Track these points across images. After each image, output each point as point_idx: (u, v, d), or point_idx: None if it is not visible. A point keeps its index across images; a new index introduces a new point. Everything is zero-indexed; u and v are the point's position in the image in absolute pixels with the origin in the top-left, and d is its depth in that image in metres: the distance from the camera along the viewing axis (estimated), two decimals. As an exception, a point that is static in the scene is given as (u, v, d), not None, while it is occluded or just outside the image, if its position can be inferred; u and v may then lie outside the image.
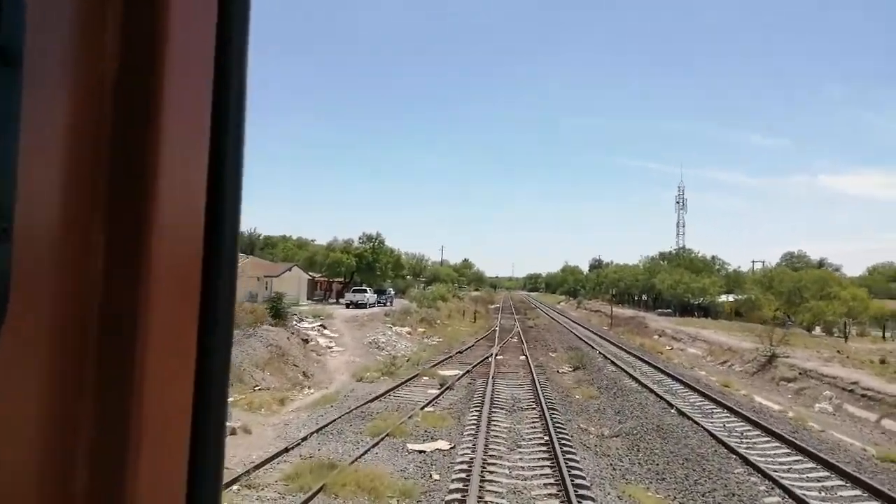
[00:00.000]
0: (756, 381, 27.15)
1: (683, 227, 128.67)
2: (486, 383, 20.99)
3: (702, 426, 15.61)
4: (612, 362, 28.83)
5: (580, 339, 40.89)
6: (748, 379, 27.87)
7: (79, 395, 0.69)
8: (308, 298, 69.30)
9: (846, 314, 49.18)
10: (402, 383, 20.68)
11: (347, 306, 57.49)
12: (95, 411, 0.69)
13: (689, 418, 16.50)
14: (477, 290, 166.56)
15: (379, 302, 64.02)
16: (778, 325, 50.39)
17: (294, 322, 32.26)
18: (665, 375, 25.38)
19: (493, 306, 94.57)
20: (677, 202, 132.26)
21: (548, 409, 16.81)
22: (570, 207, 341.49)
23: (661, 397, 19.42)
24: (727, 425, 16.07)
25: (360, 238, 69.09)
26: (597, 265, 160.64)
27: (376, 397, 18.00)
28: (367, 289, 61.19)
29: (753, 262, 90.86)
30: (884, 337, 49.37)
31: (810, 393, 22.76)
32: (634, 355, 32.40)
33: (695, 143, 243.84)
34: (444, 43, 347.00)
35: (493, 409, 16.87)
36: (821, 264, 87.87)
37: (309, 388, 20.10)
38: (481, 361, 26.81)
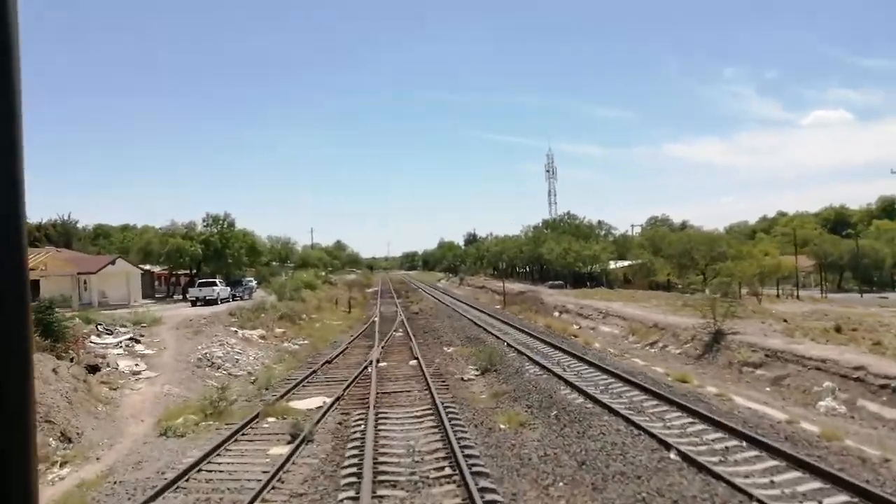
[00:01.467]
0: (709, 368, 21.87)
1: (555, 195, 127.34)
2: (366, 420, 13.78)
3: (745, 492, 9.30)
4: (526, 356, 22.60)
5: (476, 324, 34.61)
6: (696, 365, 22.58)
7: None
8: (145, 297, 58.63)
9: (758, 275, 46.50)
10: (231, 436, 13.00)
11: (194, 303, 48.01)
12: None
13: (703, 470, 10.17)
14: (353, 272, 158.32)
15: (235, 296, 54.73)
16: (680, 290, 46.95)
17: (93, 337, 23.28)
18: (601, 372, 19.39)
19: (370, 290, 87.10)
20: (547, 171, 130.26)
21: (470, 473, 9.92)
22: (442, 184, 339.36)
23: (632, 422, 13.11)
24: (775, 479, 9.86)
25: (203, 220, 58.94)
26: (471, 239, 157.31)
27: (169, 483, 10.22)
28: (217, 281, 51.83)
29: (633, 225, 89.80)
30: (798, 296, 47.27)
31: (797, 384, 17.51)
32: (546, 342, 26.47)
33: (549, 117, 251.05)
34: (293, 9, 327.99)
35: (380, 491, 9.70)
36: (683, 226, 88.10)
37: (64, 463, 11.96)
38: (358, 375, 19.50)
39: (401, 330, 32.52)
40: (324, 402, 15.83)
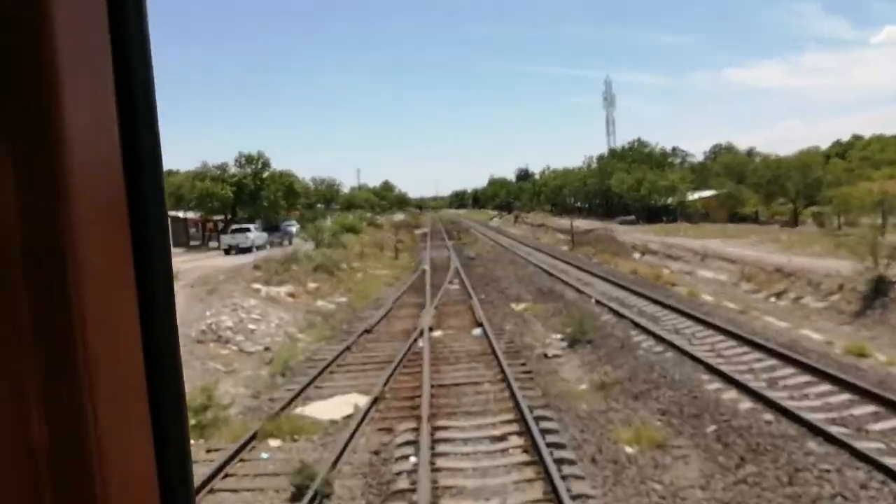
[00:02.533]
0: (881, 330, 16.11)
1: (613, 125, 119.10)
2: (417, 449, 8.83)
3: None
4: (626, 318, 17.29)
5: (546, 272, 29.29)
6: (858, 326, 16.85)
7: (16, 340, 0.67)
8: (179, 246, 55.13)
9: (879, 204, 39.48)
10: (207, 482, 8.21)
11: (227, 252, 44.09)
12: (38, 355, 0.68)
13: None
14: (404, 211, 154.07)
15: (273, 242, 50.63)
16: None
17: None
18: (743, 344, 13.96)
19: (419, 231, 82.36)
20: (605, 98, 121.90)
21: None
22: (491, 120, 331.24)
23: (866, 458, 7.74)
24: None
25: (236, 161, 54.51)
26: (524, 176, 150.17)
27: None
28: (251, 226, 47.74)
29: (717, 147, 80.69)
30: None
31: None
32: (643, 294, 21.06)
33: (602, 46, 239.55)
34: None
35: None
36: (750, 153, 79.94)
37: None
38: (406, 355, 14.55)
39: (456, 281, 27.47)
40: (355, 407, 10.92)
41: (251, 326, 18.44)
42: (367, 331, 17.63)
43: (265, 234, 48.39)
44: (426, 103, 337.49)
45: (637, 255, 37.16)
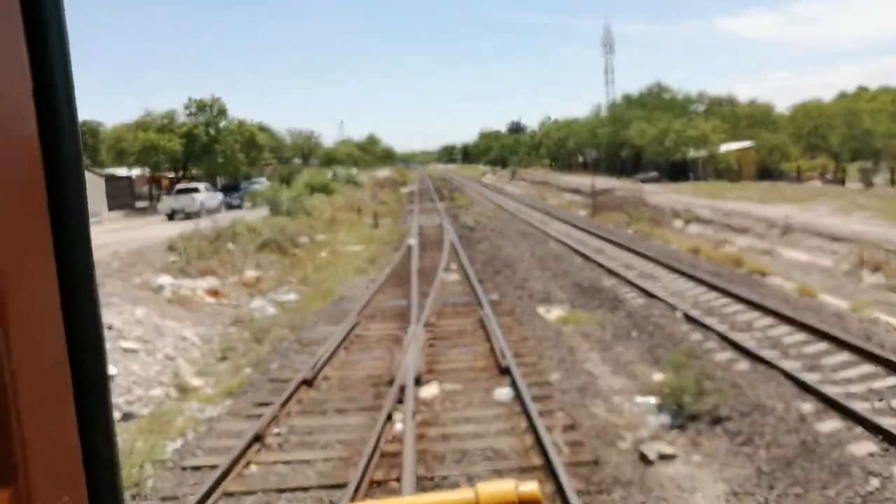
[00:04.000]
0: None
1: (612, 73, 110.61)
2: None
3: None
4: (758, 358, 10.06)
5: (574, 250, 21.95)
6: None
7: None
8: (123, 208, 47.32)
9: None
10: None
11: (170, 218, 36.66)
12: None
13: None
14: (388, 167, 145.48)
15: (233, 205, 43.03)
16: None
17: None
18: None
19: (405, 190, 74.62)
20: (604, 45, 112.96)
21: None
22: (481, 72, 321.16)
23: None
24: None
25: (186, 108, 46.27)
26: (516, 129, 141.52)
27: None
28: (200, 186, 40.04)
29: (715, 99, 72.25)
30: None
31: None
32: (742, 299, 13.77)
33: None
34: None
35: None
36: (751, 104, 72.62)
37: None
38: (365, 471, 7.18)
39: (454, 267, 20.06)
40: None
41: (113, 369, 10.99)
42: (308, 381, 10.22)
43: (219, 196, 40.68)
44: (414, 55, 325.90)
45: (680, 224, 29.85)
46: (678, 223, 29.87)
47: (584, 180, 58.49)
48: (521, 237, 26.43)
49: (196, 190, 37.85)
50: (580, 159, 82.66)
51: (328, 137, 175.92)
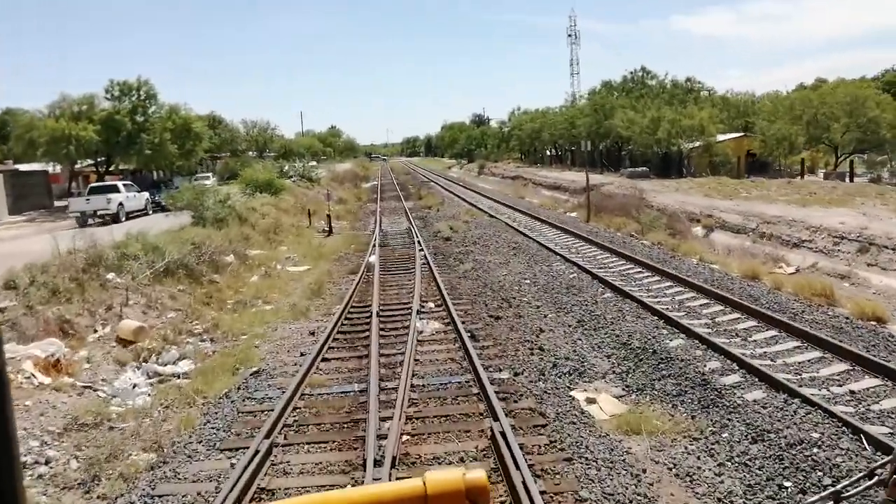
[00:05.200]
0: None
1: (578, 64, 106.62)
2: None
3: None
4: None
5: (593, 275, 16.20)
6: None
7: None
8: (35, 209, 40.47)
9: None
10: None
11: (81, 223, 30.23)
12: None
13: None
14: (349, 160, 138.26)
15: (161, 206, 36.34)
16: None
17: None
18: None
19: (367, 185, 68.38)
20: (569, 35, 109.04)
21: None
22: (443, 66, 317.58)
23: None
24: None
25: (107, 91, 39.36)
26: (479, 121, 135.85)
27: None
28: (119, 183, 33.50)
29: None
30: None
31: None
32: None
33: None
34: None
35: None
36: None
37: None
38: None
39: (432, 304, 14.15)
40: None
41: None
42: None
43: (144, 195, 34.01)
44: (377, 48, 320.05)
45: (698, 231, 24.43)
46: (697, 230, 24.45)
47: (561, 175, 53.08)
48: (511, 251, 20.64)
49: (113, 188, 31.29)
50: (551, 152, 77.48)
51: (289, 130, 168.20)
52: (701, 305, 13.13)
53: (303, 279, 18.17)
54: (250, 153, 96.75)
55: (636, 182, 38.48)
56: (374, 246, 22.59)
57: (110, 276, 14.58)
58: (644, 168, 43.14)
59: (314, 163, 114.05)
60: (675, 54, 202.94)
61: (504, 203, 36.65)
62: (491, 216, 30.38)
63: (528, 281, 16.29)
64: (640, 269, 16.73)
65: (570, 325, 12.32)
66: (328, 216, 27.96)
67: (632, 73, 53.69)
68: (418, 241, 22.77)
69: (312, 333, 12.49)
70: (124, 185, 32.57)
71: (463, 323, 12.23)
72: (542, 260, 18.85)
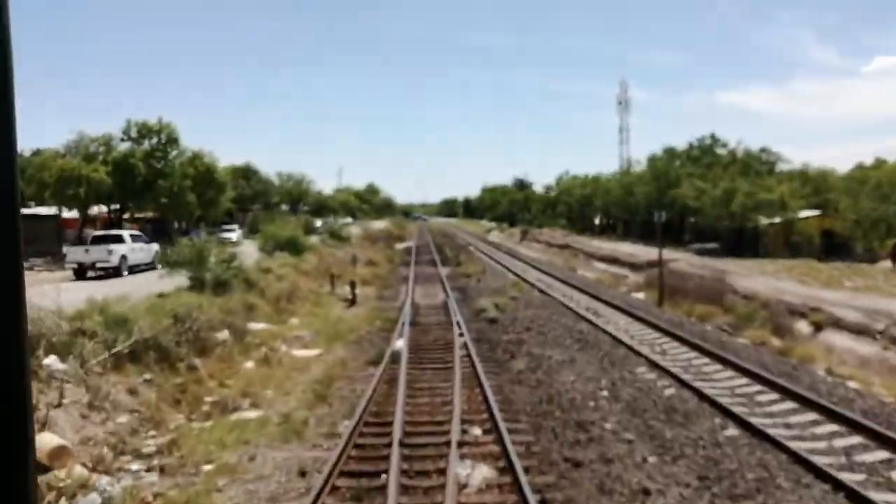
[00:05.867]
0: None
1: (627, 132, 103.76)
2: None
3: None
4: None
5: (700, 394, 12.10)
6: None
7: None
8: (36, 256, 37.62)
9: None
10: None
11: (78, 275, 27.41)
12: None
13: None
14: (386, 218, 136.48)
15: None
16: None
17: None
18: None
19: (402, 246, 65.21)
20: (619, 102, 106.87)
21: None
22: (484, 129, 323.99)
23: None
24: None
25: (123, 132, 37.14)
26: (521, 185, 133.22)
27: None
28: (125, 233, 30.64)
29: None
30: None
31: None
32: None
33: (601, 62, 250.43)
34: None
35: None
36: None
37: None
38: None
39: (478, 430, 10.20)
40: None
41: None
42: None
43: (154, 247, 31.03)
44: (420, 109, 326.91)
45: (803, 328, 20.16)
46: (802, 327, 20.16)
47: (616, 246, 49.05)
48: (575, 343, 16.64)
49: (117, 238, 28.37)
50: (602, 221, 73.64)
51: (327, 186, 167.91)
52: (884, 464, 8.95)
53: (310, 369, 14.40)
54: (283, 206, 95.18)
55: (707, 260, 34.32)
56: (403, 324, 18.83)
57: (49, 360, 11.02)
58: (714, 244, 39.04)
59: (349, 219, 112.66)
60: (719, 128, 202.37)
61: (555, 276, 32.74)
62: (542, 292, 26.47)
63: (605, 393, 12.27)
64: (760, 387, 12.56)
65: (686, 484, 8.26)
66: (352, 283, 24.38)
67: (699, 140, 50.21)
68: (457, 322, 18.94)
69: (303, 474, 8.63)
70: (131, 235, 29.67)
71: (527, 472, 8.28)
72: (619, 361, 14.80)
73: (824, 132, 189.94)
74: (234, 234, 49.75)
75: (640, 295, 27.09)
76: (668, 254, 39.47)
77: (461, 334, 17.33)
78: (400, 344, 16.07)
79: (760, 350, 16.45)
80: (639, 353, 15.18)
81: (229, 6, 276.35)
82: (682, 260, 36.26)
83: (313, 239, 42.52)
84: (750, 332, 18.25)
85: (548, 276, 32.82)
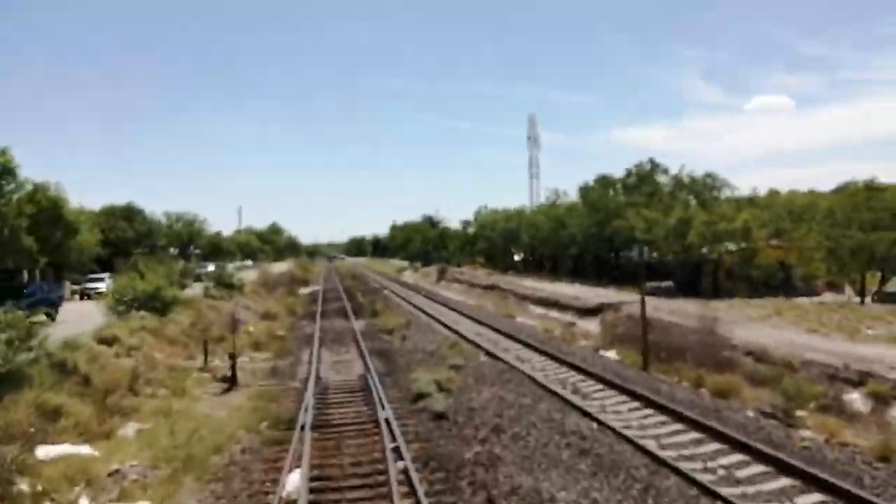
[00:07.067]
0: None
1: (538, 166, 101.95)
2: None
3: None
4: None
5: None
6: None
7: None
8: None
9: None
10: None
11: None
12: None
13: None
14: (289, 259, 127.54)
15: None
16: None
17: None
18: None
19: (307, 291, 58.04)
20: (528, 137, 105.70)
21: None
22: (390, 169, 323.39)
23: None
24: None
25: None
26: (432, 223, 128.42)
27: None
28: None
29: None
30: None
31: None
32: None
33: (504, 104, 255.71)
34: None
35: None
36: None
37: None
38: None
39: None
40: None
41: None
42: None
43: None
44: (324, 148, 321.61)
45: (854, 400, 14.93)
46: (854, 398, 14.90)
47: (552, 287, 43.79)
48: (579, 458, 10.53)
49: None
50: (525, 257, 68.92)
51: (227, 227, 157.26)
52: None
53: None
54: (172, 250, 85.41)
55: (668, 302, 29.41)
56: (304, 428, 12.23)
57: None
58: (667, 283, 34.35)
59: (248, 262, 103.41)
60: (620, 166, 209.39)
61: (496, 328, 26.72)
62: (491, 355, 20.33)
63: None
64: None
65: None
66: (231, 356, 17.38)
67: (636, 166, 46.02)
68: (386, 421, 12.50)
69: None
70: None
71: None
72: (661, 499, 8.76)
73: (716, 167, 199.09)
74: (104, 283, 41.32)
75: (611, 354, 21.42)
76: (619, 295, 34.40)
77: (396, 448, 10.91)
78: (294, 481, 9.49)
79: (830, 447, 10.86)
80: (705, 489, 9.16)
81: (116, 33, 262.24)
82: (635, 302, 31.14)
83: (194, 289, 34.88)
84: (812, 419, 12.73)
85: (487, 329, 26.77)
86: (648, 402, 13.73)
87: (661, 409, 13.17)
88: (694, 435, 11.63)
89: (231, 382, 17.13)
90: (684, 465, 10.00)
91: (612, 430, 11.87)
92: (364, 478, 10.00)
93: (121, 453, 11.30)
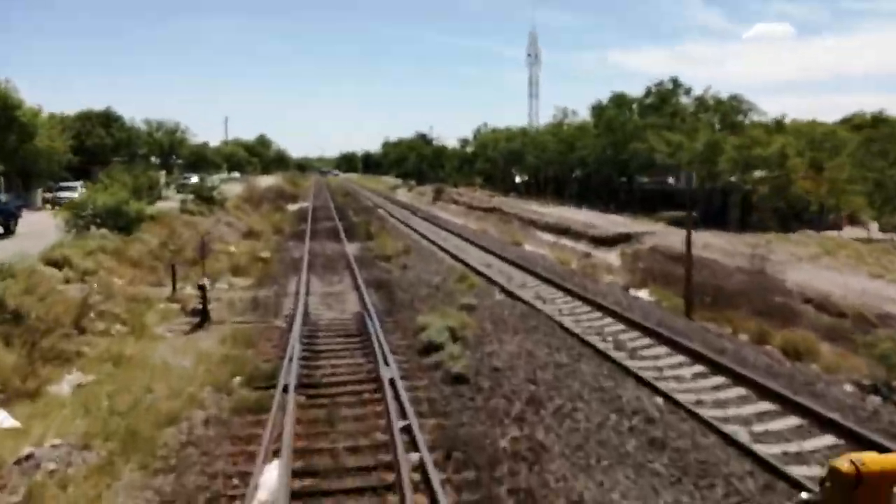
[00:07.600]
0: None
1: (538, 85, 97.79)
2: None
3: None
4: None
5: None
6: None
7: None
8: None
9: None
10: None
11: None
12: None
13: None
14: (277, 173, 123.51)
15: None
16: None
17: None
18: None
19: (295, 207, 54.94)
20: (528, 54, 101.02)
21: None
22: (382, 83, 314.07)
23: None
24: None
25: None
26: (425, 141, 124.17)
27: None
28: None
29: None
30: None
31: None
32: None
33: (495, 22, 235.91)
34: None
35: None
36: None
37: None
38: None
39: None
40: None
41: None
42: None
43: None
44: (316, 60, 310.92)
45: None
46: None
47: (560, 212, 40.97)
48: (652, 453, 7.96)
49: None
50: (528, 179, 65.76)
51: (213, 138, 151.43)
52: None
53: None
54: (153, 159, 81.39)
55: (700, 235, 26.59)
56: (287, 390, 9.60)
57: None
58: (693, 213, 31.48)
59: (236, 174, 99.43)
60: (610, 87, 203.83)
61: (507, 259, 23.94)
62: (508, 293, 17.65)
63: None
64: None
65: None
66: (201, 287, 14.54)
67: (657, 85, 42.24)
68: (391, 383, 9.85)
69: None
70: None
71: None
72: None
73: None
74: (77, 193, 38.09)
75: (643, 294, 18.79)
76: (636, 224, 31.70)
77: (407, 428, 8.28)
78: (267, 489, 6.85)
79: None
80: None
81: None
82: (657, 233, 28.49)
83: (168, 204, 31.77)
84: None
85: (497, 259, 24.02)
86: (715, 366, 11.10)
87: (737, 377, 10.53)
88: (794, 420, 9.00)
89: (202, 317, 14.36)
90: (799, 472, 7.39)
91: (685, 409, 9.23)
92: (364, 477, 7.37)
93: (45, 423, 8.60)
